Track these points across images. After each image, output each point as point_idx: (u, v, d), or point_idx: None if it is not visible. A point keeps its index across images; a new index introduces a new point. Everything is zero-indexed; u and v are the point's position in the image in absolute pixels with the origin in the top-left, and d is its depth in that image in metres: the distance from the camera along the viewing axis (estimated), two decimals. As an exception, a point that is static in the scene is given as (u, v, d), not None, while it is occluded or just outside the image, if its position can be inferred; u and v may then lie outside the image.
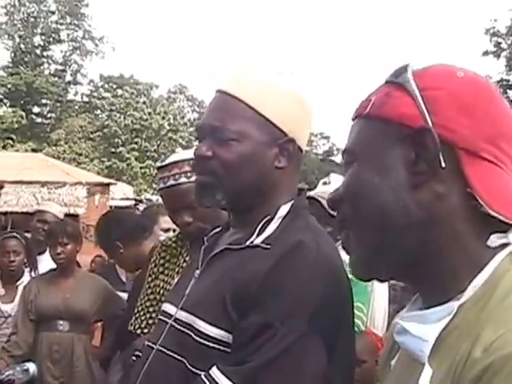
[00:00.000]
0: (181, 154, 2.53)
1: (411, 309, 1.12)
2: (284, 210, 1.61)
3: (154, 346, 1.63)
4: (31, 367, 3.98)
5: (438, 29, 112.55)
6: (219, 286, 1.53)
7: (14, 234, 4.70)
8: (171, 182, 2.44)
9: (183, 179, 2.42)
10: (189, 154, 2.39)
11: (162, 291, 2.66)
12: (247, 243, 1.57)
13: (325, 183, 3.86)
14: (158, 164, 2.59)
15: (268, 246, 1.52)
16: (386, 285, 3.57)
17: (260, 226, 1.59)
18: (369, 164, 1.07)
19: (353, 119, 1.15)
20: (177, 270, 2.62)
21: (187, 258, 2.54)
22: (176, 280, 2.14)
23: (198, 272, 1.67)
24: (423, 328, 1.00)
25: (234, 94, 1.60)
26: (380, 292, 3.59)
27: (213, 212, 2.21)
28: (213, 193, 1.61)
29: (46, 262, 4.54)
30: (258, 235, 1.57)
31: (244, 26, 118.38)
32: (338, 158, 54.45)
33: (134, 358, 2.50)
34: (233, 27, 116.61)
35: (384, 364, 1.22)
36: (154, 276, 2.76)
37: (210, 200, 1.63)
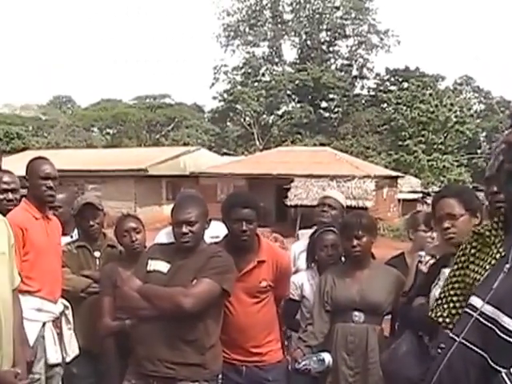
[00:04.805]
0: None
1: None
2: None
3: (456, 339, 1.67)
4: (327, 357, 4.12)
5: None
6: None
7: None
8: None
9: None
10: None
11: (470, 281, 2.53)
12: None
13: None
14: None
15: None
16: None
17: None
18: None
19: None
20: (489, 260, 2.46)
21: (501, 249, 2.41)
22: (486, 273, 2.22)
23: (507, 266, 1.67)
24: None
25: None
26: None
27: None
28: None
29: None
30: None
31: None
32: None
33: (439, 350, 2.41)
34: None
35: None
36: (461, 265, 2.65)
37: None
